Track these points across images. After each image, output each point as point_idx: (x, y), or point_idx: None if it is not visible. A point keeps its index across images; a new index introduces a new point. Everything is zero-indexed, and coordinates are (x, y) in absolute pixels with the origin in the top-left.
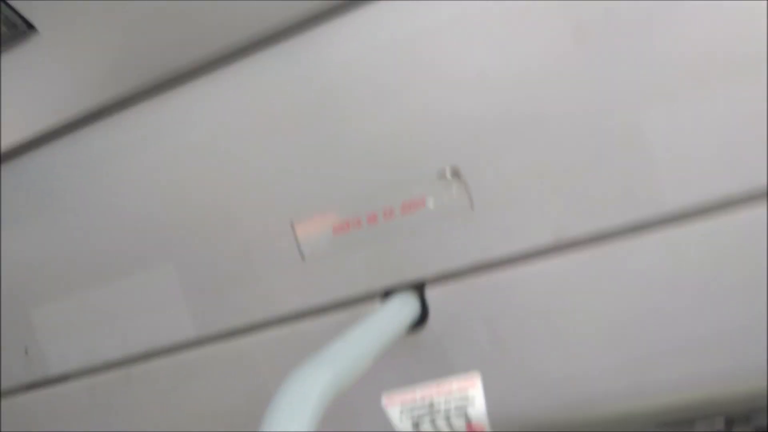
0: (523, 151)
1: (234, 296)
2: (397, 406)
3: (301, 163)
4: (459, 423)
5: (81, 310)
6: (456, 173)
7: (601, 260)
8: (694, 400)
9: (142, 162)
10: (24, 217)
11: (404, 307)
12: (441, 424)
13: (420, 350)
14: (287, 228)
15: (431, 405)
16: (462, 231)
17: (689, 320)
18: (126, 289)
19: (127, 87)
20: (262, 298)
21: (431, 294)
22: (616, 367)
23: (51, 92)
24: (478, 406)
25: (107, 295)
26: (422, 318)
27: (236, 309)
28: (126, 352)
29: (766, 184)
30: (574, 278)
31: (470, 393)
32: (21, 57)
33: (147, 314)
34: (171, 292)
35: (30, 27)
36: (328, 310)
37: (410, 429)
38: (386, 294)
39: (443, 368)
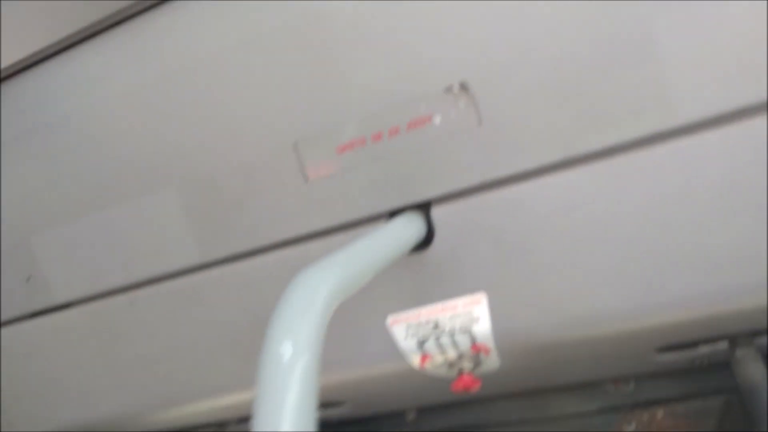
0: (531, 65)
1: (237, 220)
2: (402, 325)
3: (304, 82)
4: (464, 342)
5: (83, 236)
6: (464, 87)
7: (609, 175)
8: (698, 319)
9: (142, 82)
10: (22, 142)
11: (409, 226)
12: (446, 342)
13: (425, 270)
14: (290, 149)
15: (436, 324)
16: (469, 148)
17: (696, 235)
18: (128, 215)
19: (124, 1)
20: (265, 221)
21: (437, 213)
22: (622, 284)
23: (45, 10)
24: (483, 325)
25: (110, 221)
26: (428, 238)
27: (240, 233)
28: (130, 278)
29: None
30: (582, 194)
31: (475, 312)
32: None
33: (150, 240)
34: (174, 217)
35: None
36: (333, 231)
37: (415, 348)
38: (392, 215)
39: (449, 288)
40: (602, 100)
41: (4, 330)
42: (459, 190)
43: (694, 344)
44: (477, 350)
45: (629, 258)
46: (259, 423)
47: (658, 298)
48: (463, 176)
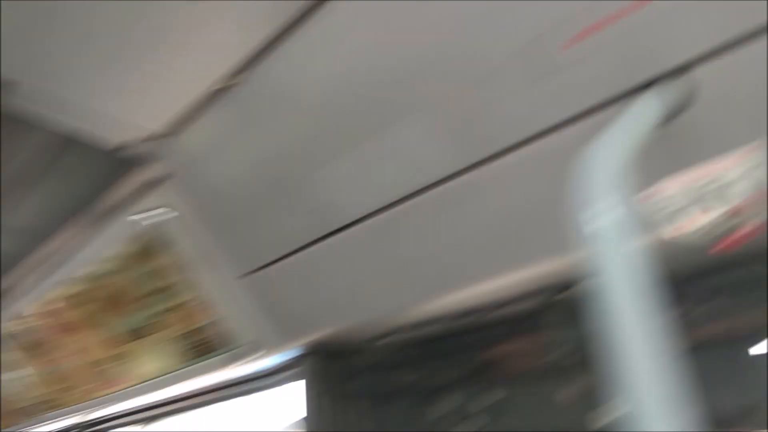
0: None
1: (480, 128)
2: (672, 187)
3: None
4: (740, 192)
5: (357, 164)
6: None
7: None
8: None
9: (385, 27)
10: (301, 93)
11: (665, 95)
12: (717, 197)
13: (689, 134)
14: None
15: (709, 181)
16: (718, 5)
17: None
18: (391, 140)
19: None
20: (505, 124)
21: (696, 75)
22: None
23: None
24: (758, 174)
25: (377, 148)
26: (684, 104)
27: (484, 138)
28: (400, 192)
29: None
30: None
31: (749, 162)
32: None
33: (412, 157)
34: (427, 135)
35: None
36: (588, 113)
37: (688, 207)
38: (642, 89)
39: (717, 146)
40: None
41: (304, 253)
42: (716, 49)
43: None
44: (753, 201)
45: None
46: (599, 277)
47: None
48: (718, 34)
